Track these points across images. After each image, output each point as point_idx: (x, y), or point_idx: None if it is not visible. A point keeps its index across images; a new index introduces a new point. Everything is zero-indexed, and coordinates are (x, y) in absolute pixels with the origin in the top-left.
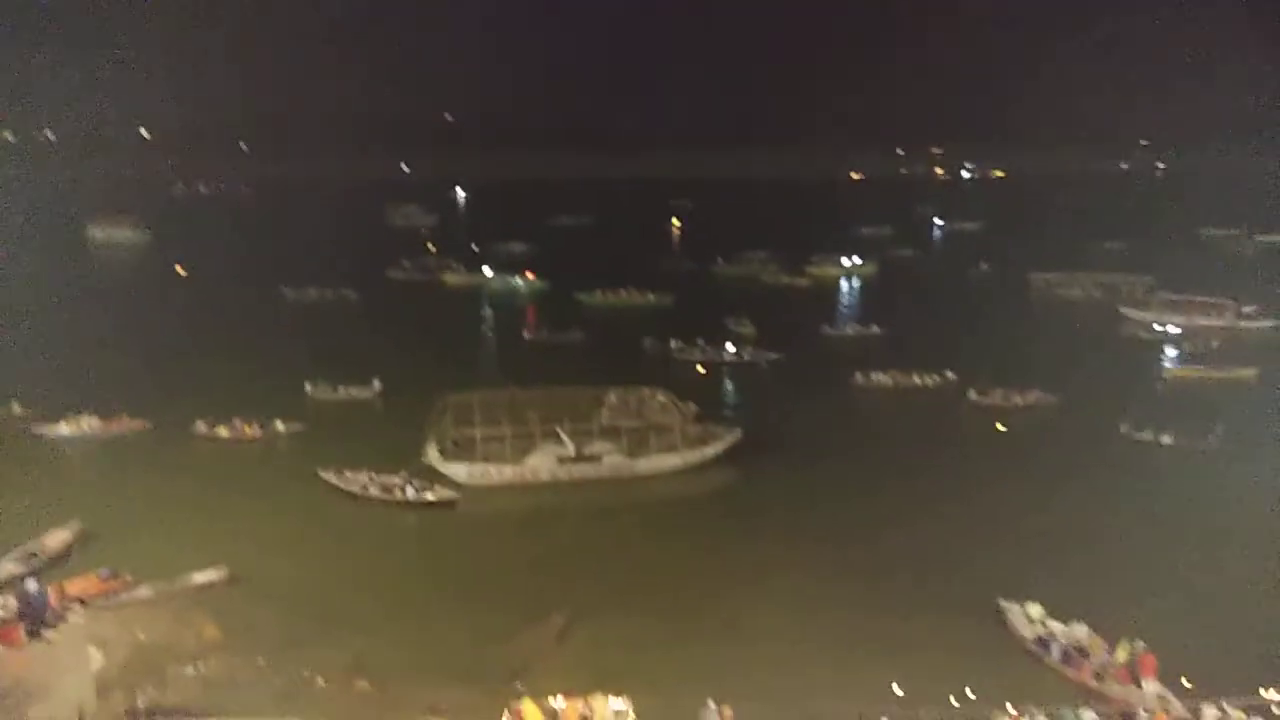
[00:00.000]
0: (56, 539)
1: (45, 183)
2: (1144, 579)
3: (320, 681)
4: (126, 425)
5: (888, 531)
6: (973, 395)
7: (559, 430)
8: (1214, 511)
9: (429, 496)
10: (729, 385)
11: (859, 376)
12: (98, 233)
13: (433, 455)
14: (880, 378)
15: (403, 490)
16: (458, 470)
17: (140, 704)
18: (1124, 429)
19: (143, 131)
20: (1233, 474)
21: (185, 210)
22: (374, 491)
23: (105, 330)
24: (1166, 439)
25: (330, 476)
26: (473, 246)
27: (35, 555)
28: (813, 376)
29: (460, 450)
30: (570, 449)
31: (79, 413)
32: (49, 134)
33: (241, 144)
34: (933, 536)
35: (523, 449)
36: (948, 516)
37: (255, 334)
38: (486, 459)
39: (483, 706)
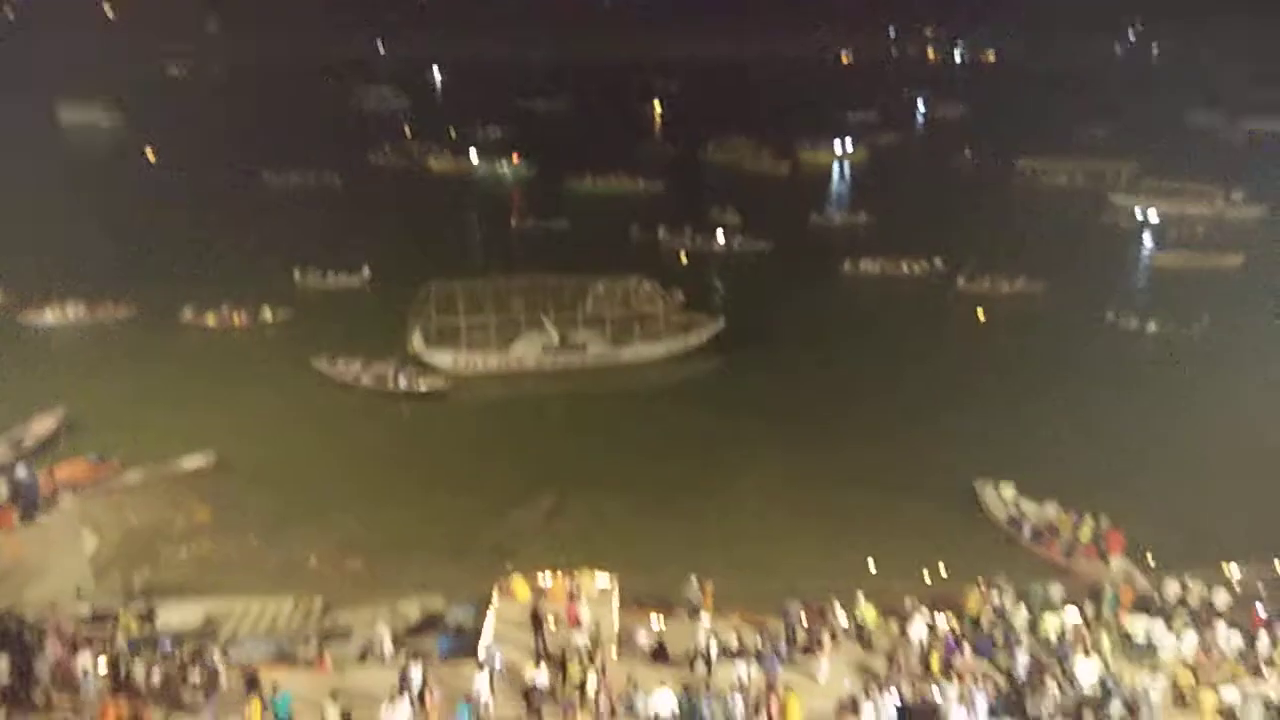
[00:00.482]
0: (43, 425)
1: (9, 64)
2: (1119, 462)
3: (312, 561)
4: (112, 312)
5: (869, 417)
6: (961, 283)
7: (543, 319)
8: (1194, 397)
9: (420, 386)
10: (716, 274)
11: (847, 264)
12: (69, 115)
13: (417, 343)
14: (868, 266)
15: (395, 379)
16: (442, 358)
17: (137, 583)
18: (1110, 316)
19: (107, 10)
20: (1216, 361)
21: (155, 91)
22: (366, 381)
23: (86, 216)
24: (1152, 326)
25: (322, 365)
26: (450, 131)
27: (22, 441)
28: (801, 265)
29: (444, 338)
30: (554, 338)
31: (64, 300)
32: (9, 12)
33: (209, 22)
34: (915, 422)
35: (507, 337)
36: (931, 402)
37: (238, 219)
38: (471, 347)
39: (472, 583)
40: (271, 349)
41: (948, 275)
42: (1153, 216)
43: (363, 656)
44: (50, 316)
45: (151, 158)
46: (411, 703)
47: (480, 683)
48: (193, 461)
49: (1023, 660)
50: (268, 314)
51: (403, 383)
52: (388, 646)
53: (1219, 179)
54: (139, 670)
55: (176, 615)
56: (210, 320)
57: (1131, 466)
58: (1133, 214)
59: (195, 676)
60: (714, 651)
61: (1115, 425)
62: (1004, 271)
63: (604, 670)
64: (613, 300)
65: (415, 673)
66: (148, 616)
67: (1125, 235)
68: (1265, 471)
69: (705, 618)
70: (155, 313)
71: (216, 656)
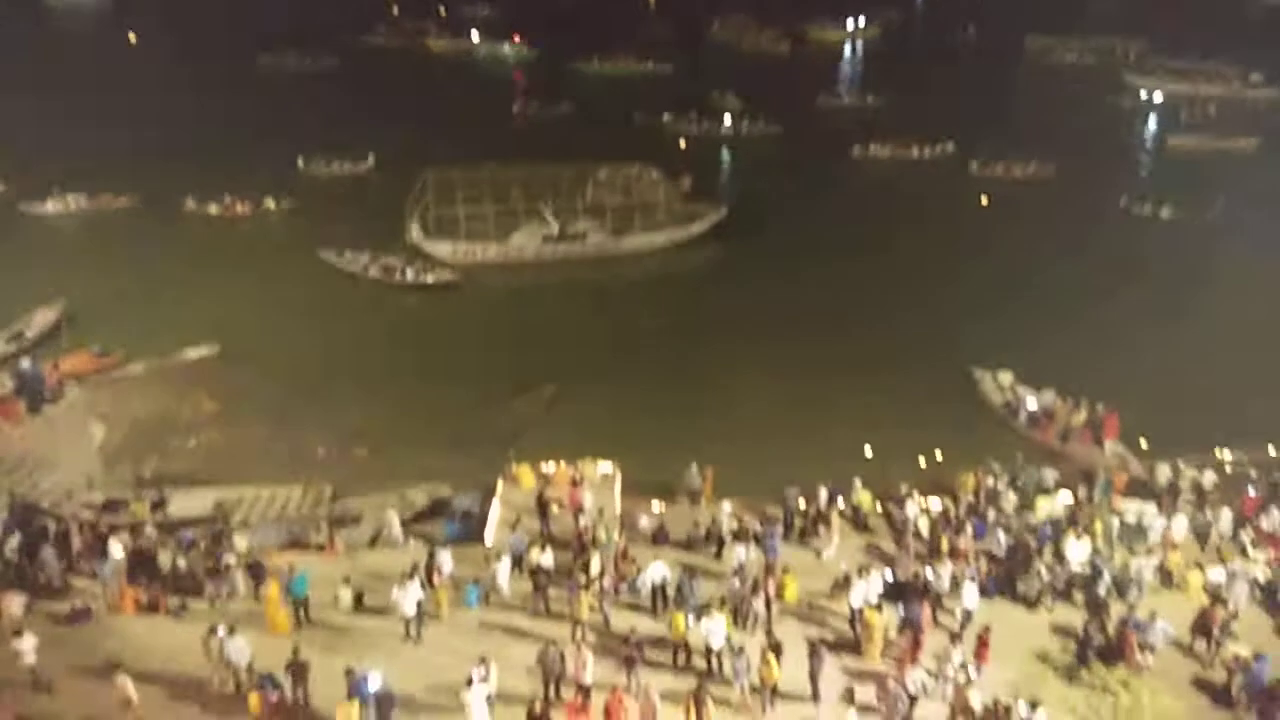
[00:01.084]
0: (44, 317)
1: None
2: (1122, 348)
3: (320, 450)
4: (113, 202)
5: (871, 305)
6: (973, 167)
7: (542, 208)
8: (1203, 284)
9: (428, 279)
10: (722, 159)
11: (856, 148)
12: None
13: (415, 234)
14: (878, 150)
15: (402, 272)
16: (441, 249)
17: (147, 473)
18: (1123, 202)
19: None
20: (1228, 247)
21: None
22: (374, 272)
23: (82, 103)
24: (1165, 212)
25: (330, 256)
26: (440, 8)
27: (24, 334)
28: (808, 149)
29: (443, 228)
30: (554, 228)
31: (64, 190)
32: None
33: None
34: (917, 310)
35: (506, 227)
36: (936, 289)
37: (238, 105)
38: (469, 238)
39: (477, 471)
40: (276, 239)
41: (960, 159)
42: (1166, 97)
43: (373, 542)
44: (51, 207)
45: (132, 40)
46: (421, 585)
47: (501, 567)
48: (196, 352)
49: (1005, 542)
50: (271, 203)
51: (410, 275)
52: (397, 531)
53: (1235, 58)
54: (164, 558)
55: (187, 503)
56: (213, 210)
57: (1134, 353)
58: (1145, 95)
59: (223, 562)
60: (729, 534)
61: (1120, 313)
62: (1016, 155)
63: (624, 555)
64: (614, 189)
65: (446, 557)
66: (159, 505)
67: (1137, 116)
68: (1271, 358)
69: (726, 505)
70: (157, 202)
71: (239, 543)
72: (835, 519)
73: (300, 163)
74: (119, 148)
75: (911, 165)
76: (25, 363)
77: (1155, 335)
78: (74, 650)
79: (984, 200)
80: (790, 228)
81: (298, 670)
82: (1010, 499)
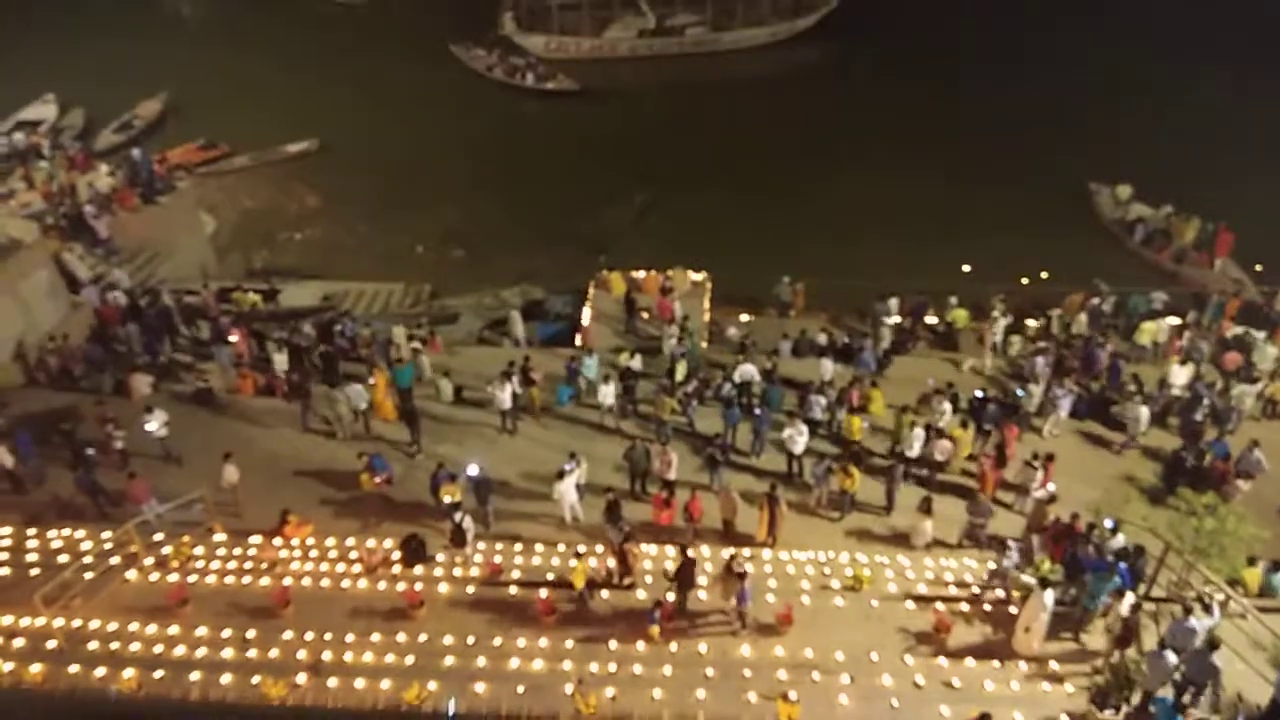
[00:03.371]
0: (150, 108)
1: None
2: (1250, 169)
3: (419, 248)
4: None
5: (984, 113)
6: None
7: (639, 0)
8: None
9: (549, 85)
10: None
11: None
12: None
13: (509, 26)
14: None
15: (524, 74)
16: (535, 42)
17: (257, 265)
18: None
19: None
20: None
21: None
22: (498, 73)
23: None
24: None
25: (459, 50)
26: None
27: (131, 125)
28: None
29: (536, 21)
30: (650, 20)
31: None
32: None
33: None
34: (1034, 119)
35: (601, 21)
36: (1060, 94)
37: None
38: (563, 31)
39: (570, 275)
40: (387, 28)
41: None
42: None
43: (481, 340)
44: None
45: None
46: (518, 383)
47: (606, 389)
48: (297, 146)
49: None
50: None
51: (530, 79)
52: (519, 330)
53: None
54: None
55: (297, 294)
56: None
57: (1264, 175)
58: None
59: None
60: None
61: (1265, 132)
62: None
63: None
64: None
65: (591, 361)
66: (272, 295)
67: None
68: None
69: (889, 317)
70: None
71: (397, 334)
72: (987, 334)
73: None
74: None
75: None
76: (136, 152)
77: None
78: (200, 428)
79: None
80: (903, 25)
81: (411, 417)
82: (1081, 320)
